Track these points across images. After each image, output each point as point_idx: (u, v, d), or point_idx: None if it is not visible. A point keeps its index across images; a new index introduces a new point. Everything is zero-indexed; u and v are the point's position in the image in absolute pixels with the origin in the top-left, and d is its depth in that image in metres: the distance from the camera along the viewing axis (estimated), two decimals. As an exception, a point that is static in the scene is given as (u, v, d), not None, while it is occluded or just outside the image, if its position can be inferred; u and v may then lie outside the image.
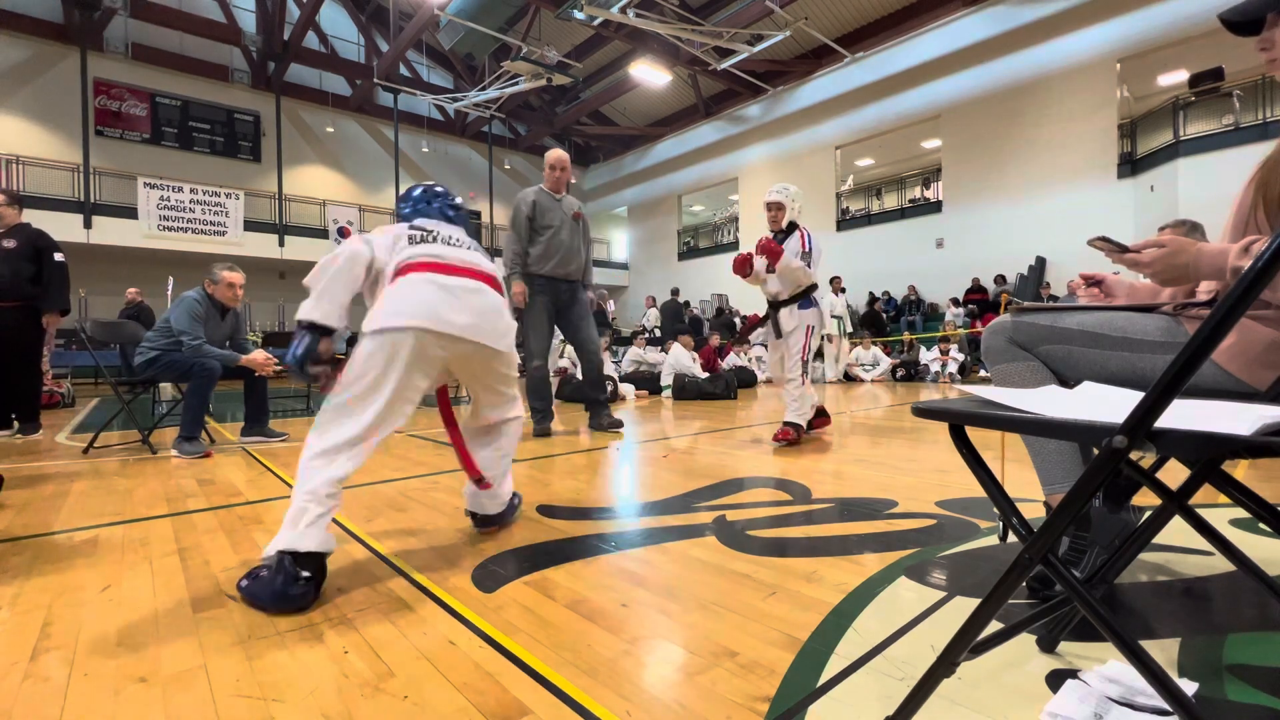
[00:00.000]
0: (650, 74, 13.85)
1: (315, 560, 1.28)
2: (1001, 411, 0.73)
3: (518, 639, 1.11)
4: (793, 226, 3.32)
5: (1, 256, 3.81)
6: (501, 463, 1.72)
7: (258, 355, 3.45)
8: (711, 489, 2.28)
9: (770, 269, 3.21)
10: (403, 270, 1.50)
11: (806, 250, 3.23)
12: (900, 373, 9.97)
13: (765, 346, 8.58)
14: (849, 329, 9.98)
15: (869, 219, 14.28)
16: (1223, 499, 1.65)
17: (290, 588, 1.23)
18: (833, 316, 9.18)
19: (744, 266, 3.28)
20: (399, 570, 1.47)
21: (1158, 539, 1.44)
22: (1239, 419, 0.58)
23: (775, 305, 3.36)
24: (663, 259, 19.45)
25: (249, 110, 15.68)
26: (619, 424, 3.82)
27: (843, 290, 10.10)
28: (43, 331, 4.01)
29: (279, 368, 3.51)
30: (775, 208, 3.32)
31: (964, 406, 0.78)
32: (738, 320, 13.19)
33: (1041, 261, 10.88)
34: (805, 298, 3.33)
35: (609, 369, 6.76)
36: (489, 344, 1.53)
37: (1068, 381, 1.18)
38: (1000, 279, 11.15)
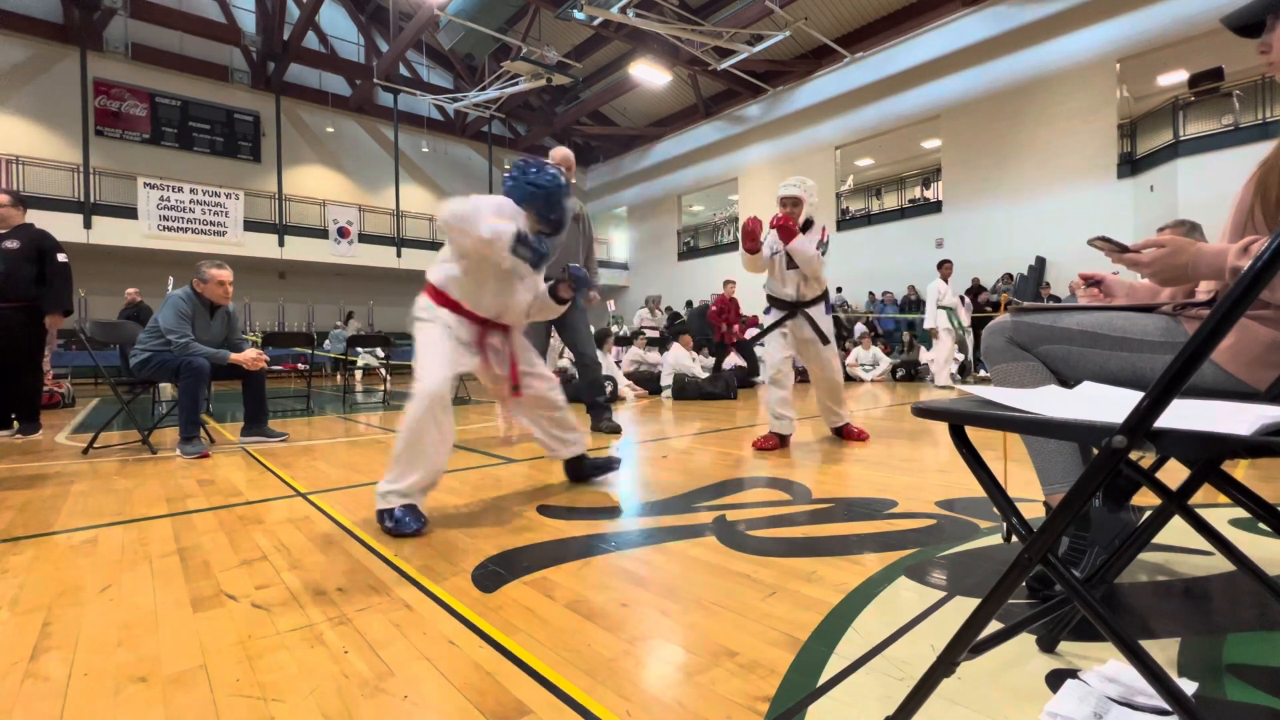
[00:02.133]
0: (650, 74, 13.85)
1: None
2: (1001, 411, 0.73)
3: (518, 639, 1.11)
4: (809, 224, 3.12)
5: (4, 257, 3.81)
6: None
7: (248, 353, 3.44)
8: (711, 489, 2.28)
9: (777, 243, 3.05)
10: None
11: (825, 240, 3.09)
12: (900, 373, 9.96)
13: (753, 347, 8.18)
14: (964, 322, 8.11)
15: (869, 219, 14.28)
16: (1223, 499, 1.65)
17: None
18: (939, 307, 7.67)
19: (753, 236, 3.04)
20: (399, 570, 1.47)
21: (1158, 539, 1.44)
22: (1238, 419, 0.58)
23: (799, 305, 3.19)
24: (663, 259, 19.45)
25: (249, 110, 15.68)
26: (617, 429, 3.83)
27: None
28: (45, 332, 4.01)
29: (275, 366, 3.54)
30: (791, 203, 3.06)
31: (964, 406, 0.78)
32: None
33: (1041, 261, 10.88)
34: (826, 301, 3.22)
35: (610, 368, 6.76)
36: None
37: (1068, 381, 1.18)
38: (1007, 277, 11.08)
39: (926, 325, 7.80)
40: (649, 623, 1.17)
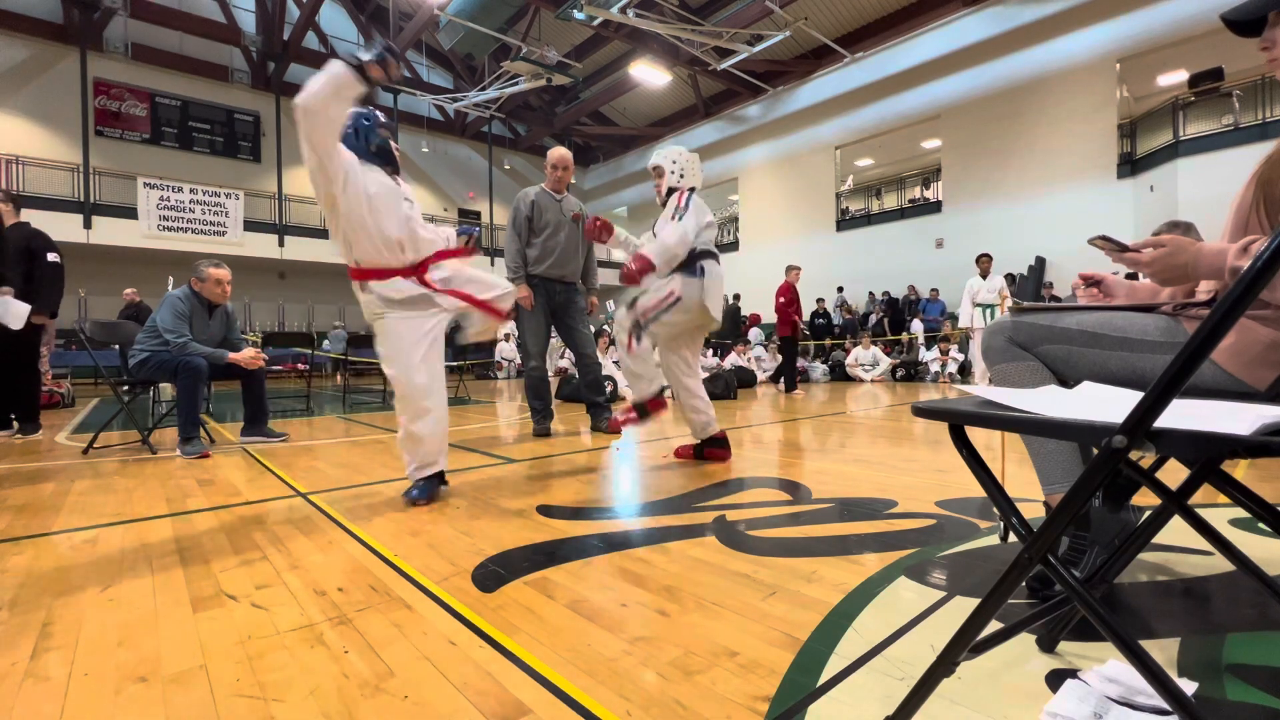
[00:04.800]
0: (650, 74, 13.86)
1: None
2: (1001, 411, 0.73)
3: (518, 639, 1.11)
4: (672, 194, 2.82)
5: None
6: None
7: (246, 352, 3.44)
8: (711, 489, 2.28)
9: (601, 239, 2.84)
10: None
11: (681, 206, 2.71)
12: (900, 373, 9.98)
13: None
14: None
15: (869, 219, 14.29)
16: (1222, 499, 1.65)
17: None
18: (975, 305, 7.13)
19: (597, 231, 2.84)
20: (399, 570, 1.47)
21: (1158, 539, 1.44)
22: (1238, 419, 0.58)
23: None
24: (663, 259, 19.42)
25: (249, 110, 15.69)
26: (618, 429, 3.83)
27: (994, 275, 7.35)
28: (37, 331, 4.00)
29: (275, 366, 3.56)
30: (656, 174, 2.90)
31: (964, 406, 0.78)
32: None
33: (1041, 261, 10.88)
34: (688, 266, 2.75)
35: (610, 368, 6.76)
36: None
37: (1068, 381, 1.18)
38: (1009, 278, 11.02)
39: (961, 324, 7.30)
40: (649, 623, 1.17)
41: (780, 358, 10.60)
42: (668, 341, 2.84)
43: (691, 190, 2.80)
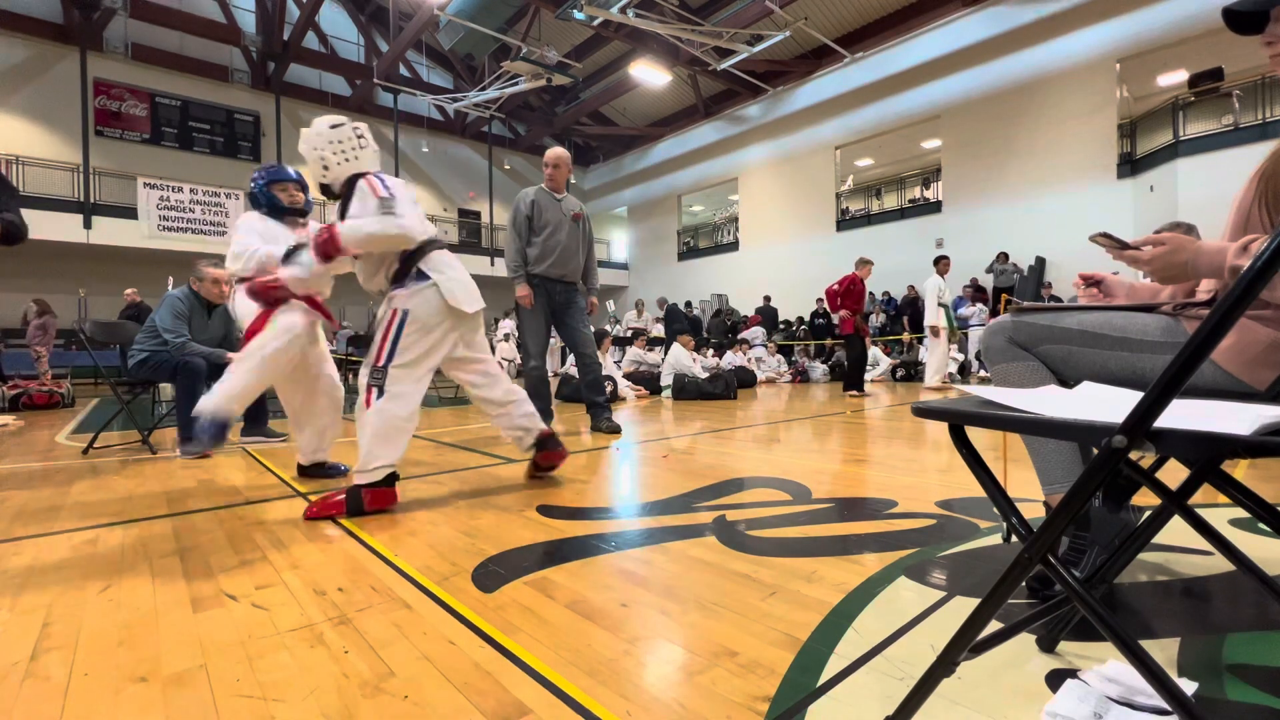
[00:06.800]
0: (650, 74, 13.86)
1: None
2: (1001, 411, 0.73)
3: (518, 639, 1.11)
4: (351, 184, 2.04)
5: None
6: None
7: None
8: (711, 489, 2.28)
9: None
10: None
11: (385, 196, 1.96)
12: (900, 373, 9.98)
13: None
14: (955, 320, 7.78)
15: (869, 219, 14.29)
16: (1222, 499, 1.65)
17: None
18: (939, 305, 7.39)
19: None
20: (399, 570, 1.47)
21: (1158, 539, 1.44)
22: (1238, 419, 0.58)
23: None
24: (662, 259, 19.46)
25: (249, 110, 15.69)
26: (617, 429, 3.83)
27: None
28: None
29: None
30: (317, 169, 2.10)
31: (964, 406, 0.78)
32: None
33: (1041, 261, 10.88)
34: (405, 273, 2.04)
35: (610, 368, 6.76)
36: None
37: (1067, 381, 1.18)
38: (1003, 256, 10.87)
39: (927, 322, 7.50)
40: (649, 623, 1.17)
41: (779, 357, 10.63)
42: (445, 367, 2.21)
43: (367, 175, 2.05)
